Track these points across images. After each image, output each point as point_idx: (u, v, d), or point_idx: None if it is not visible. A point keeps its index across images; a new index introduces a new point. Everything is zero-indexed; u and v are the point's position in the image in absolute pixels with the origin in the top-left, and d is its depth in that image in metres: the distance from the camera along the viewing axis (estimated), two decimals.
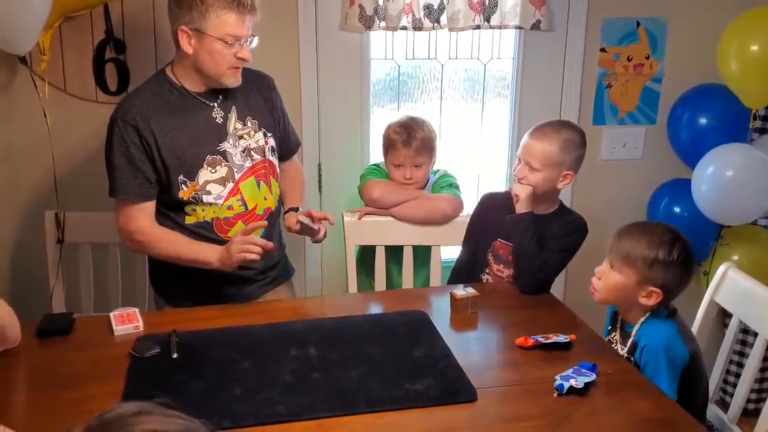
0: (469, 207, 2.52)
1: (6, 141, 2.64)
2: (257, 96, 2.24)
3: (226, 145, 2.13)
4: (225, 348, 1.80)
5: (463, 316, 2.02)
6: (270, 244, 2.08)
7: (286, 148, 2.38)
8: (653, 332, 1.81)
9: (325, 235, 2.21)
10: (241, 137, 2.17)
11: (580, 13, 2.87)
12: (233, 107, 2.17)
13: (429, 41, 2.89)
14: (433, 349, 1.82)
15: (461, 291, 2.05)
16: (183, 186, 2.09)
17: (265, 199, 2.22)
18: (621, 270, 1.83)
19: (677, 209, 2.96)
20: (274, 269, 2.34)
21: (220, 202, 2.13)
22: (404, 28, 2.75)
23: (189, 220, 2.14)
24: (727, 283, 2.07)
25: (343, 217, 2.57)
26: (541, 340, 1.83)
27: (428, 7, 2.72)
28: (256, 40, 2.10)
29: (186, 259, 2.11)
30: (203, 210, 2.13)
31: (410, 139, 2.54)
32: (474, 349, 1.90)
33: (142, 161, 2.05)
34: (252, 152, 2.19)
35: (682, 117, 2.92)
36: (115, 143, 2.06)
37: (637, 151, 3.07)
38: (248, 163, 2.17)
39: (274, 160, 2.27)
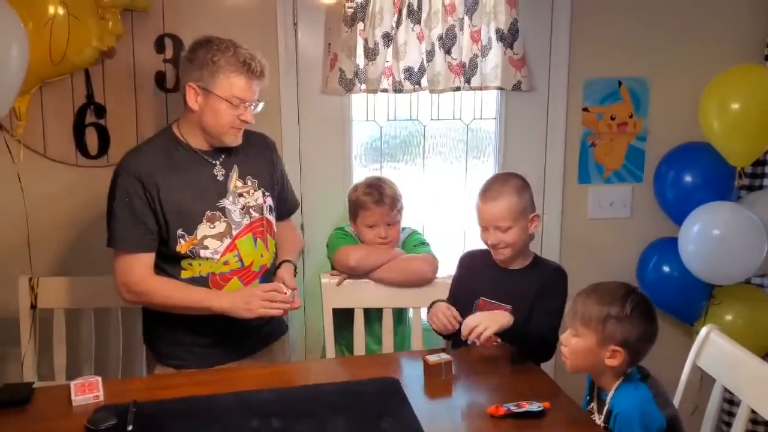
0: (452, 264, 2.48)
1: None
2: (259, 156, 2.28)
3: (226, 202, 2.16)
4: (184, 419, 1.74)
5: (436, 382, 1.96)
6: (296, 302, 2.12)
7: (284, 208, 2.40)
8: (626, 399, 1.74)
9: (299, 305, 2.18)
10: (240, 195, 2.20)
11: (560, 73, 2.88)
12: (234, 165, 2.21)
13: (411, 102, 2.90)
14: (401, 420, 1.75)
15: (434, 357, 1.99)
16: (181, 240, 2.11)
17: (262, 256, 2.23)
18: (580, 333, 1.78)
19: (667, 268, 2.90)
20: (269, 324, 2.31)
21: (217, 257, 2.14)
22: (385, 90, 2.77)
23: (185, 275, 2.15)
24: (710, 347, 2.01)
25: (320, 279, 2.52)
26: (513, 408, 1.76)
27: (408, 70, 2.73)
28: (261, 105, 2.16)
29: (189, 305, 2.09)
30: (200, 264, 2.14)
31: (382, 197, 2.52)
32: (444, 418, 1.83)
33: (145, 212, 2.07)
34: (251, 210, 2.21)
35: (668, 175, 2.89)
36: (118, 194, 2.09)
37: (625, 210, 3.04)
38: (246, 221, 2.19)
39: (272, 218, 2.29)
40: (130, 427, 1.67)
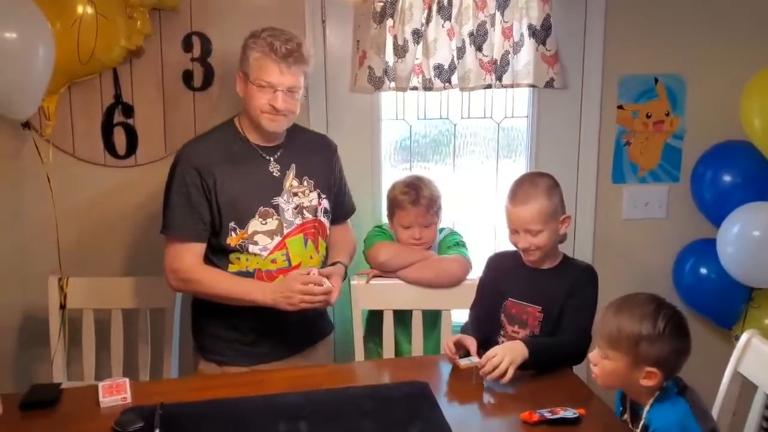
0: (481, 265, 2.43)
1: (12, 206, 2.65)
2: (318, 158, 2.29)
3: (280, 200, 2.17)
4: (211, 421, 1.72)
5: (467, 386, 1.91)
6: (332, 297, 2.10)
7: (340, 211, 2.40)
8: (664, 415, 1.66)
9: (335, 298, 2.15)
10: (295, 194, 2.20)
11: (594, 70, 2.81)
12: (293, 164, 2.22)
13: (441, 101, 2.85)
14: (430, 425, 1.71)
15: (465, 360, 1.95)
16: (232, 233, 2.12)
17: (311, 257, 2.23)
18: (609, 355, 1.69)
19: (704, 271, 2.82)
20: (314, 324, 2.32)
21: (265, 254, 2.15)
22: (414, 88, 2.72)
23: (232, 268, 2.16)
24: (751, 353, 1.93)
25: (349, 280, 2.49)
26: (547, 415, 1.71)
27: (438, 67, 2.68)
28: (300, 94, 2.14)
29: (235, 296, 2.11)
30: (247, 259, 2.15)
31: (419, 197, 2.48)
32: (474, 424, 1.79)
33: (200, 202, 2.10)
34: (304, 210, 2.21)
35: (706, 175, 2.80)
36: (176, 182, 2.12)
37: (660, 211, 2.95)
38: (299, 220, 2.19)
39: (326, 221, 2.29)
40: (156, 430, 1.65)
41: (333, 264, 2.26)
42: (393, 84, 2.69)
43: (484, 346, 2.16)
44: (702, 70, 2.83)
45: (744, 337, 1.97)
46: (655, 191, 2.94)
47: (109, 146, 2.67)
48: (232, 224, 2.12)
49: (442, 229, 2.61)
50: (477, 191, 2.93)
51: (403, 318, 2.52)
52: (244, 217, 2.13)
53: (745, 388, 1.97)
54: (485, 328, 2.24)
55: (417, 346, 2.50)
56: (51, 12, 2.27)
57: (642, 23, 2.79)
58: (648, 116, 2.87)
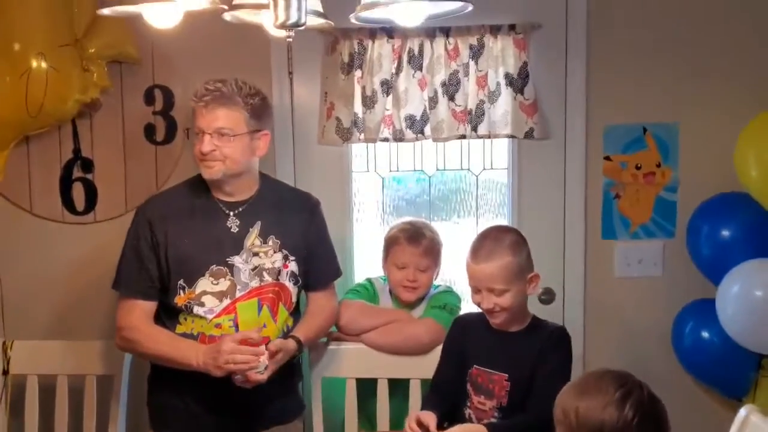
0: None
1: None
2: (291, 216, 2.14)
3: (237, 259, 2.03)
4: None
5: None
6: (260, 376, 1.90)
7: (318, 275, 2.21)
8: None
9: (266, 374, 1.95)
10: (256, 254, 2.05)
11: (578, 119, 2.65)
12: (258, 222, 2.07)
13: (414, 152, 2.71)
14: None
15: None
16: (180, 291, 2.01)
17: (265, 326, 2.03)
18: None
19: (706, 334, 2.58)
20: (280, 401, 2.12)
21: (210, 317, 2.00)
22: (385, 139, 2.61)
23: (179, 329, 2.03)
24: None
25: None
26: None
27: (410, 118, 2.57)
28: (242, 137, 2.00)
29: (172, 358, 1.97)
30: (192, 321, 2.01)
31: (417, 236, 2.32)
32: None
33: (149, 258, 2.02)
34: (264, 273, 2.05)
35: (702, 229, 2.59)
36: (131, 235, 2.07)
37: (656, 268, 2.73)
38: (255, 283, 2.03)
39: (291, 286, 2.10)
40: None
41: (287, 337, 2.08)
42: (362, 135, 2.58)
43: (449, 418, 1.97)
44: (694, 118, 2.65)
45: (741, 413, 1.75)
46: (648, 247, 2.73)
47: (67, 202, 2.57)
48: (180, 282, 2.00)
49: (437, 285, 2.42)
50: (455, 250, 2.74)
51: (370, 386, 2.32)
52: (193, 275, 2.00)
53: None
54: (449, 399, 2.05)
55: (383, 419, 2.29)
56: (2, 66, 2.23)
57: (627, 68, 2.63)
58: (638, 167, 2.69)
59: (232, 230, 2.05)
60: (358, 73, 2.55)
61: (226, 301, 2.00)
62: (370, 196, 2.75)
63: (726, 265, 2.45)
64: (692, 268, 2.66)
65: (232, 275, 2.01)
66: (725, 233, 2.53)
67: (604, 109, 2.65)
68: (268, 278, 2.05)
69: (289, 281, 2.10)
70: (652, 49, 2.63)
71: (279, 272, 2.07)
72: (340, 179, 2.69)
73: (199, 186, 2.08)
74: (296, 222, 2.14)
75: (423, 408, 2.00)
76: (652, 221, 2.72)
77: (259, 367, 1.90)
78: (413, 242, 2.31)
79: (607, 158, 2.68)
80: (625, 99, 2.65)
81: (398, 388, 2.33)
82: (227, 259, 2.01)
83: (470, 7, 1.53)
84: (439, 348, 2.21)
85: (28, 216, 2.57)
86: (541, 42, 2.60)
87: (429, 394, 2.11)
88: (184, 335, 2.01)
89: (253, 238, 2.06)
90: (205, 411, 2.04)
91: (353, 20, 1.46)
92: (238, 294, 2.01)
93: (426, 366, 2.24)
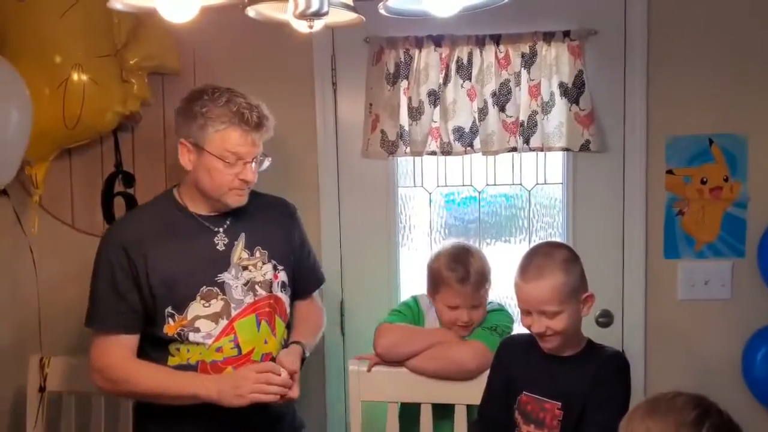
0: None
1: None
2: (274, 224, 2.02)
3: (227, 276, 1.89)
4: None
5: None
6: (294, 391, 1.84)
7: (304, 283, 2.11)
8: None
9: (297, 391, 1.87)
10: (245, 268, 1.92)
11: (638, 130, 2.49)
12: (242, 234, 1.94)
13: (463, 166, 2.59)
14: None
15: None
16: (170, 320, 1.85)
17: (266, 342, 1.93)
18: None
19: None
20: (282, 423, 2.01)
21: (209, 341, 1.86)
22: (432, 153, 2.49)
23: (172, 362, 1.87)
24: None
25: (347, 365, 2.20)
26: None
27: (458, 130, 2.45)
28: (267, 162, 1.91)
29: (172, 393, 1.81)
30: (188, 350, 1.86)
31: (468, 274, 2.11)
32: None
33: (128, 288, 1.84)
34: (256, 286, 1.93)
35: None
36: (101, 266, 1.88)
37: (724, 290, 2.54)
38: (249, 299, 1.91)
39: (284, 296, 2.00)
40: None
41: (290, 344, 1.98)
42: (408, 149, 2.48)
43: None
44: (764, 129, 2.47)
45: None
46: (716, 268, 2.54)
47: (109, 217, 2.53)
48: (168, 309, 1.84)
49: (490, 302, 2.25)
50: (508, 269, 2.60)
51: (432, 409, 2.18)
52: (183, 300, 1.84)
53: None
54: (496, 429, 1.91)
55: None
56: (41, 78, 2.19)
57: (691, 77, 2.46)
58: (703, 182, 2.51)
59: (218, 247, 1.91)
60: (404, 84, 2.46)
61: (223, 322, 1.87)
62: (417, 211, 2.64)
63: None
64: (764, 290, 2.48)
65: (224, 294, 1.88)
66: None
67: (667, 119, 2.49)
68: (261, 292, 1.93)
69: (282, 291, 1.98)
70: (717, 56, 2.47)
71: (271, 284, 1.95)
72: (386, 194, 2.58)
73: (169, 204, 1.94)
74: (279, 230, 2.03)
75: None
76: (719, 239, 2.53)
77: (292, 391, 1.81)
78: (464, 283, 2.13)
79: (670, 172, 2.52)
80: (689, 109, 2.49)
81: (443, 413, 2.19)
82: (216, 278, 1.87)
83: None
84: (487, 372, 2.07)
85: (70, 230, 2.54)
86: (598, 49, 2.47)
87: (475, 422, 1.98)
88: (180, 367, 1.86)
89: (239, 252, 1.92)
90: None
91: (381, 11, 1.36)
92: (233, 313, 1.88)
93: (473, 390, 2.11)
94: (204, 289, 1.86)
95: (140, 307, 1.84)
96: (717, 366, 2.51)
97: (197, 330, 1.85)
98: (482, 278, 2.16)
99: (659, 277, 2.55)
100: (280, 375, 1.82)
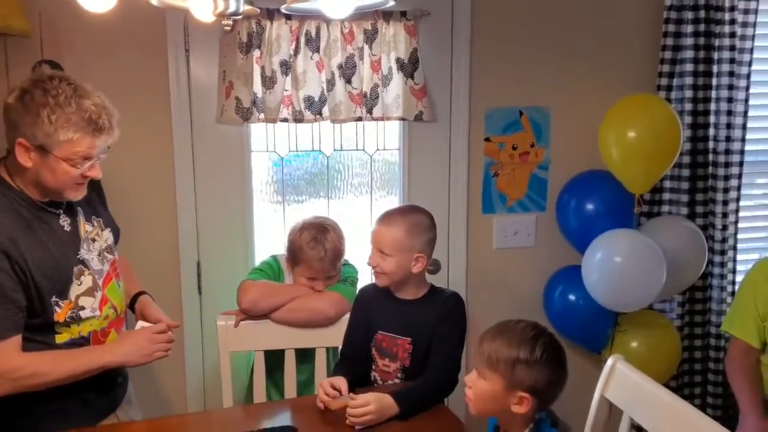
0: None
1: None
2: (91, 191, 2.01)
3: (83, 252, 1.94)
4: None
5: (339, 429, 1.84)
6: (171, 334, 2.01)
7: (116, 237, 2.15)
8: None
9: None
10: (93, 240, 1.99)
11: (462, 103, 2.85)
12: (78, 209, 1.97)
13: (312, 132, 2.80)
14: None
15: (338, 400, 1.88)
16: (56, 308, 1.85)
17: (123, 298, 2.07)
18: (486, 376, 1.68)
19: (572, 297, 2.90)
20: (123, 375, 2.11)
21: (98, 313, 1.93)
22: (285, 120, 2.66)
23: (61, 339, 1.89)
24: (617, 378, 1.97)
25: (215, 321, 2.37)
26: None
27: (309, 99, 2.64)
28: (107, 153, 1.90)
29: (82, 370, 1.87)
30: (78, 325, 1.90)
31: (326, 252, 2.36)
32: None
33: (15, 289, 1.78)
34: (104, 253, 2.01)
35: (570, 203, 2.90)
36: None
37: (529, 239, 3.02)
38: (106, 267, 2.00)
39: (117, 255, 2.11)
40: None
41: (136, 297, 2.16)
42: (262, 115, 2.63)
43: (359, 383, 2.11)
44: (564, 103, 2.94)
45: (609, 362, 2.01)
46: (523, 220, 3.00)
47: None
48: (54, 298, 1.84)
49: None
50: (352, 225, 2.88)
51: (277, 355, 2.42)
52: (64, 286, 1.86)
53: (613, 413, 2.00)
54: (358, 365, 2.20)
55: (290, 388, 2.40)
56: None
57: (506, 56, 2.86)
58: (514, 148, 2.94)
59: (65, 228, 1.92)
60: (256, 53, 2.59)
61: (98, 294, 1.93)
62: (269, 175, 2.81)
63: (590, 235, 2.75)
64: (561, 239, 2.98)
65: (88, 268, 1.94)
66: (589, 207, 2.85)
67: (486, 93, 2.87)
68: (109, 256, 2.02)
69: (116, 251, 2.09)
70: (529, 37, 2.87)
71: (111, 247, 2.05)
72: (240, 158, 2.72)
73: (10, 195, 1.85)
74: (95, 195, 2.09)
75: (334, 375, 2.13)
76: (526, 197, 2.99)
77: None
78: (323, 261, 2.36)
79: (488, 139, 2.91)
80: (504, 84, 2.88)
81: (305, 357, 2.44)
82: (78, 256, 1.91)
83: (392, 2, 1.65)
84: (344, 318, 2.35)
85: None
86: (430, 29, 2.76)
87: (339, 362, 2.24)
88: (72, 341, 1.90)
89: (83, 226, 1.97)
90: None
91: (284, 11, 1.53)
92: (99, 282, 1.96)
93: (330, 335, 2.38)
94: (75, 269, 1.90)
95: (25, 305, 1.82)
96: (525, 302, 2.98)
97: (83, 308, 1.90)
98: (338, 254, 2.43)
99: (478, 230, 2.97)
100: (167, 332, 1.97)
